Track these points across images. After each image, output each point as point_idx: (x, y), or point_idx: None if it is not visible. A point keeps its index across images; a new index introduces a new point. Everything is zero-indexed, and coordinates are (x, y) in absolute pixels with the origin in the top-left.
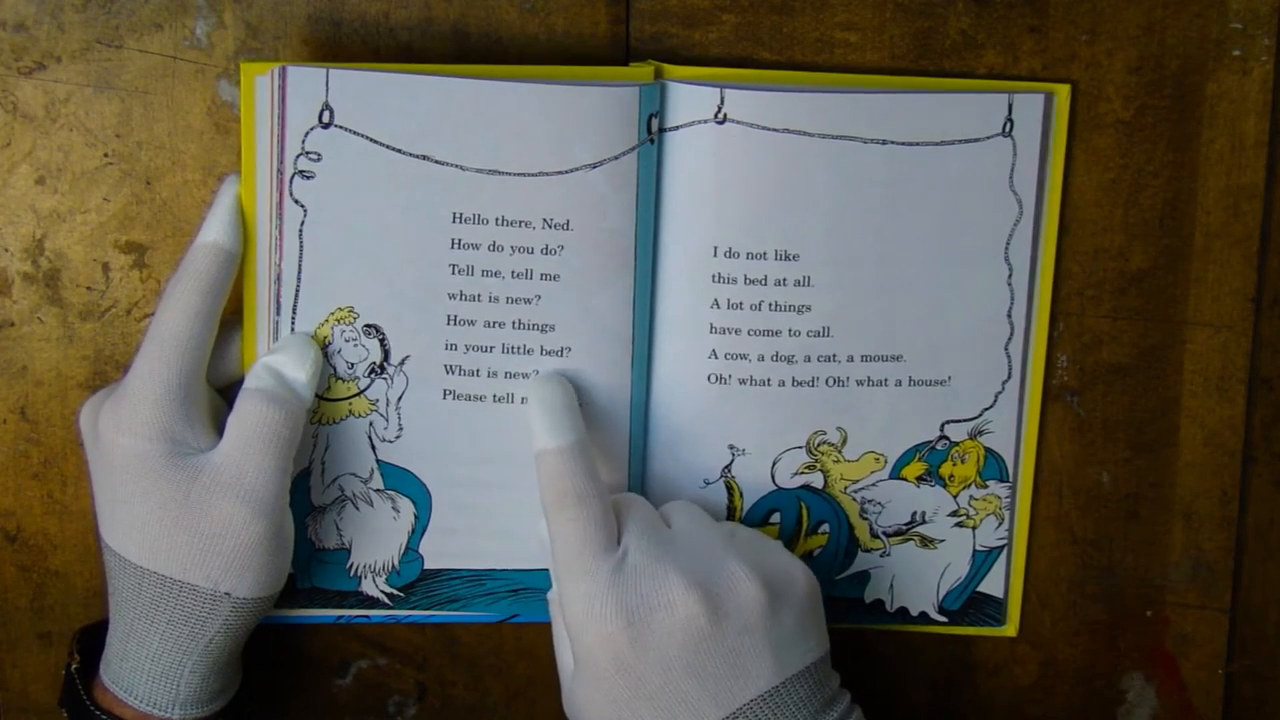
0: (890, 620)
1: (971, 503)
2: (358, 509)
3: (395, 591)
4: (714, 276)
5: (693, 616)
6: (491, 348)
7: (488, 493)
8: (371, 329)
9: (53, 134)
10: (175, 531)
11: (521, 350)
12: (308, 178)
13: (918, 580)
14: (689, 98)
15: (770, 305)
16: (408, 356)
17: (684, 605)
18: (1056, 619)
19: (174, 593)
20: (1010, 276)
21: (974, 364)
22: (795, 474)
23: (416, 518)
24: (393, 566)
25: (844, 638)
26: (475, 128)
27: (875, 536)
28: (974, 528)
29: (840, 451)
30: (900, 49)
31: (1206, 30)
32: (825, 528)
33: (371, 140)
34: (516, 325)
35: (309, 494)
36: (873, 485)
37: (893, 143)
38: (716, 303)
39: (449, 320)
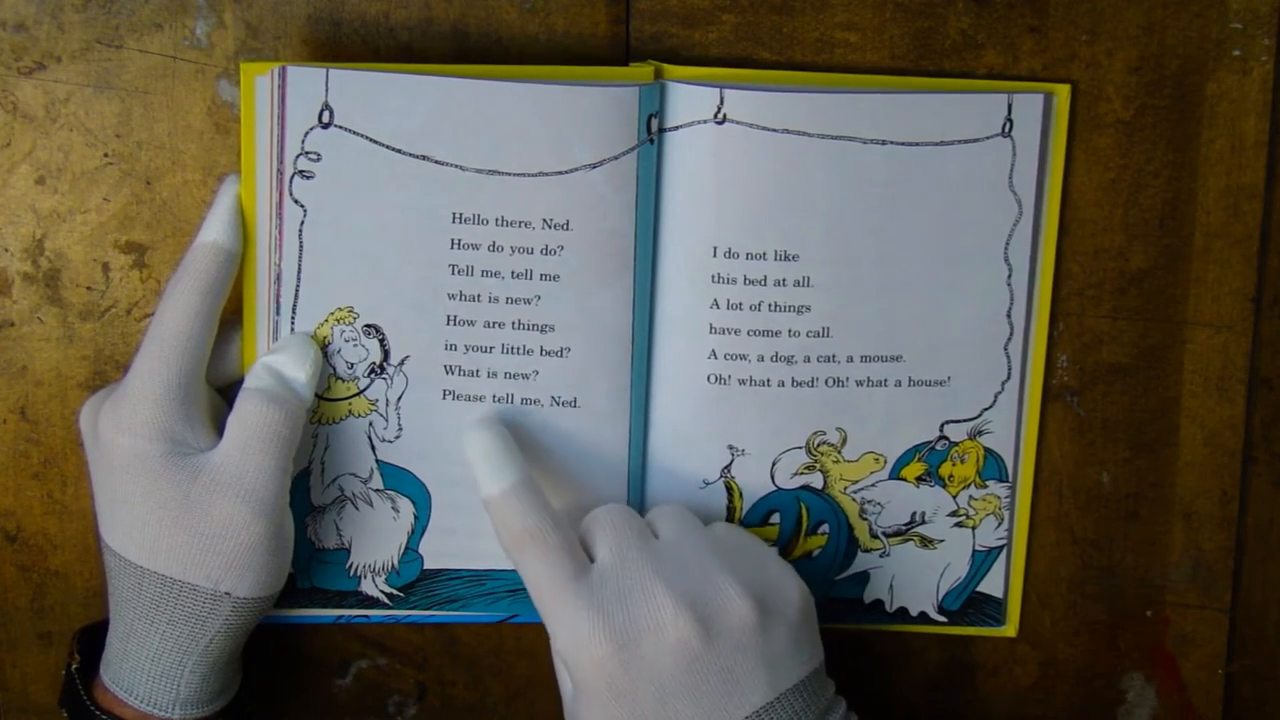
0: (890, 620)
1: (971, 503)
2: (357, 509)
3: (395, 591)
4: (713, 277)
5: (684, 639)
6: (491, 348)
7: None
8: (371, 329)
9: (53, 134)
10: (175, 531)
11: (521, 350)
12: (307, 178)
13: (917, 580)
14: (689, 98)
15: (770, 305)
16: (407, 356)
17: (674, 627)
18: (1056, 619)
19: (174, 593)
20: (1010, 277)
21: (973, 364)
22: (795, 474)
23: (416, 518)
24: (392, 566)
25: (844, 638)
26: (475, 128)
27: (875, 537)
28: (973, 528)
29: (840, 452)
30: (900, 49)
31: (1206, 30)
32: (825, 528)
33: (371, 140)
34: (516, 325)
35: (309, 494)
36: (872, 486)
37: (892, 143)
38: (716, 303)
39: (449, 320)
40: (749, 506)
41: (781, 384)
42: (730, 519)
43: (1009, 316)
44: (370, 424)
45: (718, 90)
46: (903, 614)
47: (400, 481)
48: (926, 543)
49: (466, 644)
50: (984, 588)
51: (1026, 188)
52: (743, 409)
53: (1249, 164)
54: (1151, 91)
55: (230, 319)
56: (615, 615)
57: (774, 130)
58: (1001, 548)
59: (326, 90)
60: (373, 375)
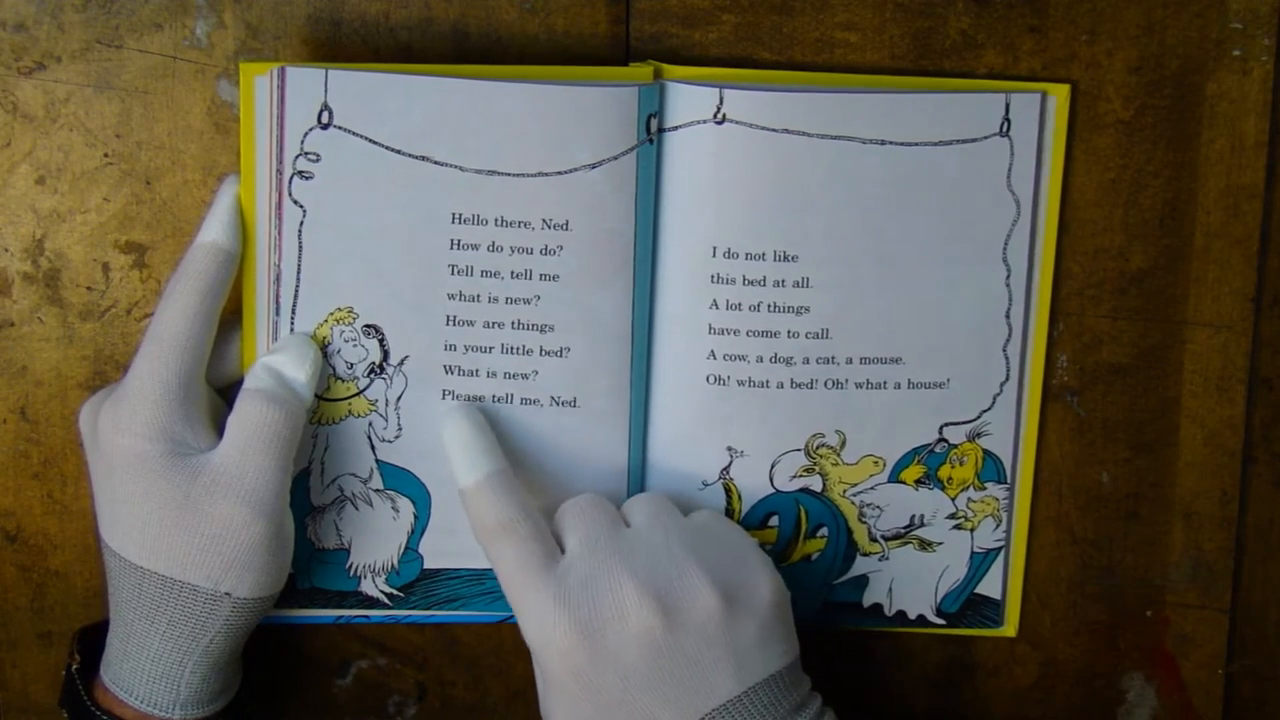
0: (889, 623)
1: (969, 505)
2: (357, 509)
3: (395, 591)
4: (713, 277)
5: (648, 628)
6: (491, 348)
7: None
8: (371, 329)
9: (53, 134)
10: (175, 531)
11: (521, 350)
12: (307, 178)
13: (916, 583)
14: (688, 98)
15: (769, 306)
16: (407, 357)
17: (637, 615)
18: (1056, 619)
19: (174, 593)
20: (1009, 277)
21: (972, 366)
22: (794, 477)
23: (416, 517)
24: (392, 566)
25: (843, 641)
26: (474, 128)
27: (874, 540)
28: (972, 530)
29: (839, 454)
30: (900, 49)
31: (1206, 30)
32: (824, 531)
33: (371, 141)
34: (516, 325)
35: (309, 494)
36: (871, 489)
37: (891, 143)
38: (715, 303)
39: (448, 320)
40: (748, 508)
41: (780, 385)
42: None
43: (1008, 317)
44: (370, 424)
45: (717, 90)
46: (901, 617)
47: (400, 481)
48: (925, 545)
49: (466, 644)
50: (982, 590)
51: (1025, 188)
52: (742, 410)
53: (1249, 164)
54: (1151, 91)
55: (230, 319)
56: (580, 605)
57: (774, 130)
58: (1000, 550)
59: (326, 91)
60: (372, 375)
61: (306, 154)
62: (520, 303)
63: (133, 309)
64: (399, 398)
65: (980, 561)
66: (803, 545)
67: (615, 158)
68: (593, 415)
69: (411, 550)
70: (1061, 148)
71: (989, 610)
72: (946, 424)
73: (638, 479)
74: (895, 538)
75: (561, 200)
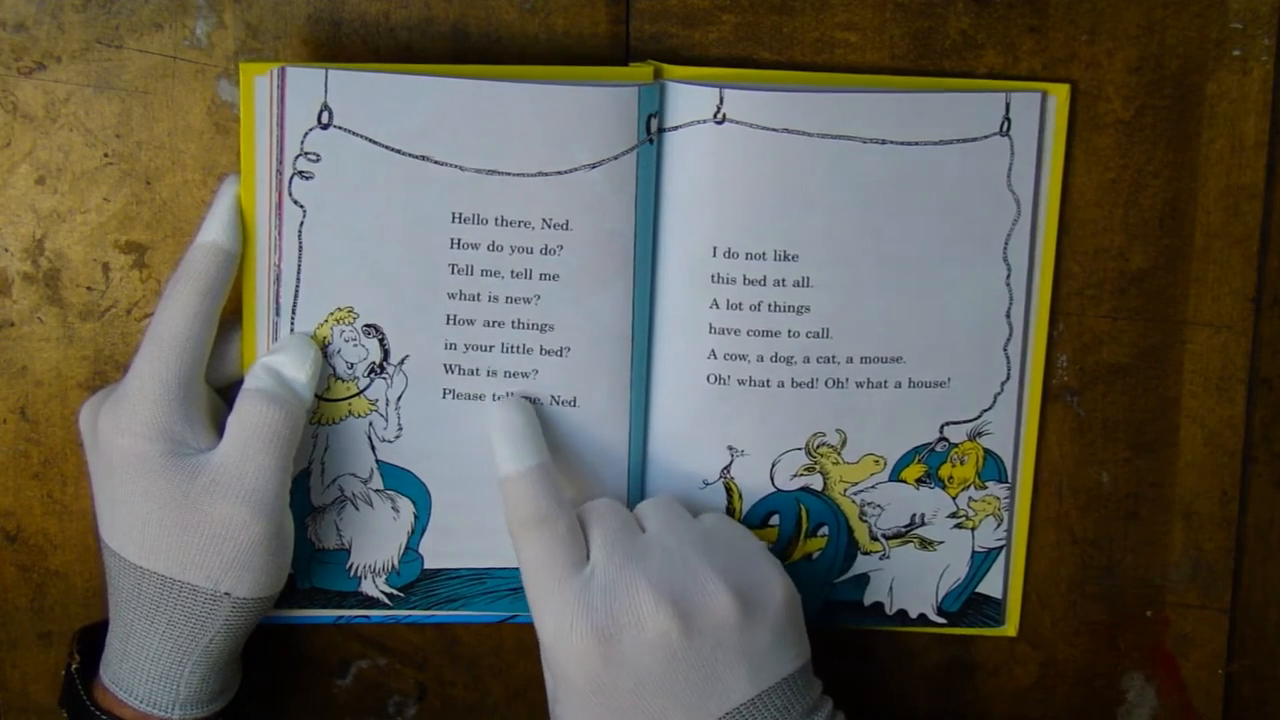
0: (890, 622)
1: (970, 504)
2: (357, 509)
3: (395, 591)
4: (713, 277)
5: (664, 633)
6: (491, 347)
7: (488, 492)
8: (371, 329)
9: (53, 134)
10: (175, 531)
11: (521, 350)
12: (307, 178)
13: (917, 582)
14: (688, 98)
15: (769, 306)
16: (407, 356)
17: (654, 621)
18: (1056, 619)
19: (174, 593)
20: (1009, 277)
21: (973, 365)
22: (794, 476)
23: (416, 518)
24: (392, 566)
25: (844, 640)
26: (474, 128)
27: (875, 539)
28: (973, 529)
29: (840, 453)
30: (900, 49)
31: (1206, 30)
32: (825, 530)
33: (370, 141)
34: (516, 325)
35: (309, 494)
36: (872, 488)
37: (891, 142)
38: (716, 303)
39: (448, 320)
40: (749, 508)
41: (781, 385)
42: None
43: (1008, 317)
44: (370, 424)
45: (717, 90)
46: (902, 616)
47: (400, 481)
48: (926, 544)
49: (466, 644)
50: (983, 589)
51: (1025, 187)
52: (742, 409)
53: (1249, 164)
54: (1151, 91)
55: (230, 319)
56: (598, 610)
57: (773, 130)
58: (1000, 549)
59: (326, 91)
60: (372, 375)
61: (306, 154)
62: (520, 302)
63: (133, 309)
64: (399, 397)
65: (981, 561)
66: (803, 544)
67: (615, 158)
68: (593, 415)
69: (411, 550)
70: (1061, 148)
71: (990, 610)
72: (947, 423)
73: (638, 478)
74: (896, 537)
75: (561, 200)
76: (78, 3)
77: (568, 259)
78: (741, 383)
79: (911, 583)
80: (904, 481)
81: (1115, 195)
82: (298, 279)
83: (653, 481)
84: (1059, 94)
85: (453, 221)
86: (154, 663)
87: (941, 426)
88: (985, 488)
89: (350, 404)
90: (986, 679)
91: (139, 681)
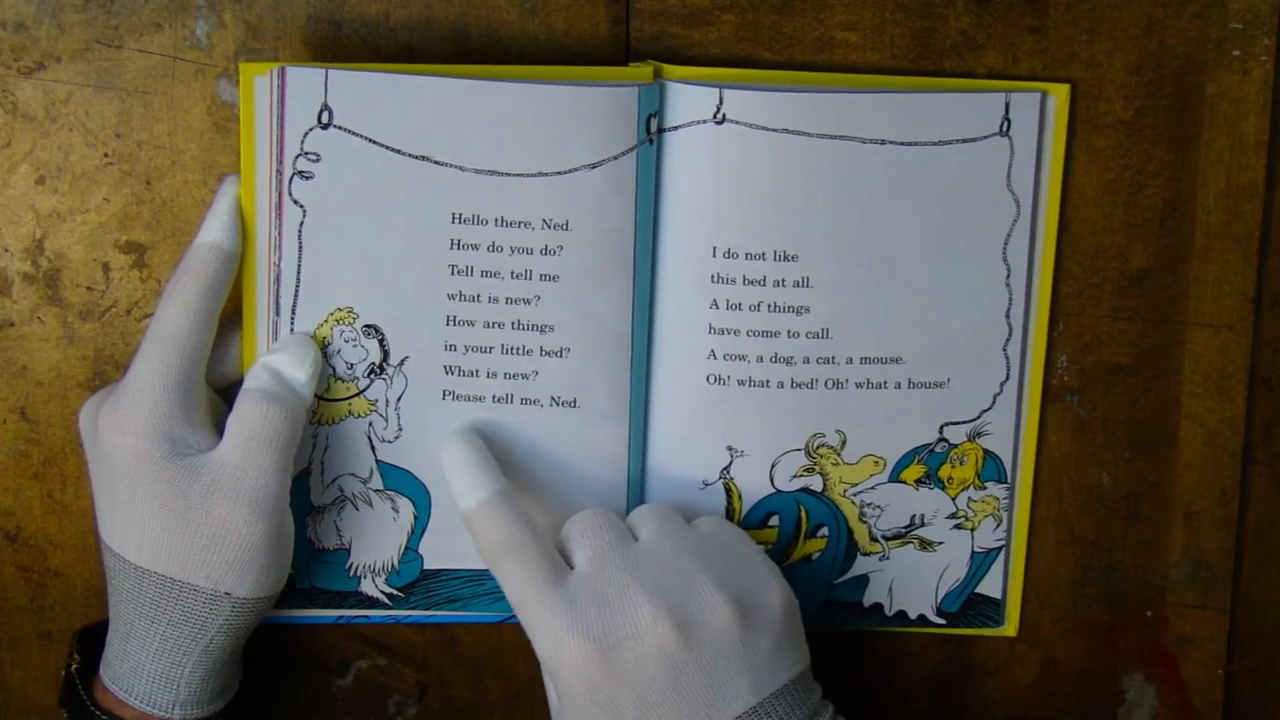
0: (889, 623)
1: (970, 504)
2: (357, 509)
3: (395, 591)
4: (713, 277)
5: (664, 644)
6: (491, 348)
7: None
8: (371, 329)
9: (53, 134)
10: (175, 531)
11: (521, 350)
12: (307, 178)
13: (916, 583)
14: (688, 98)
15: (769, 306)
16: (407, 357)
17: (653, 632)
18: (1056, 619)
19: (174, 593)
20: (1009, 277)
21: (973, 366)
22: (794, 476)
23: (416, 518)
24: (392, 566)
25: (843, 640)
26: (474, 128)
27: (874, 540)
28: (972, 529)
29: (839, 454)
30: (900, 49)
31: (1206, 30)
32: (824, 531)
33: (370, 141)
34: (516, 326)
35: (309, 494)
36: (872, 489)
37: (891, 143)
38: (715, 303)
39: (448, 321)
40: (748, 508)
41: (781, 385)
42: (729, 520)
43: (1008, 317)
44: (370, 424)
45: (717, 90)
46: (902, 617)
47: (400, 481)
48: (926, 545)
49: (466, 644)
50: (982, 589)
51: (1024, 187)
52: (742, 410)
53: (1249, 164)
54: (1151, 91)
55: (230, 319)
56: (594, 622)
57: (773, 130)
58: (1000, 549)
59: (326, 91)
60: (372, 375)
61: (306, 154)
62: (520, 303)
63: (133, 309)
64: (399, 398)
65: (981, 561)
66: (803, 545)
67: (615, 158)
68: (593, 415)
69: (411, 550)
70: (1061, 147)
71: (989, 610)
72: (947, 423)
73: (638, 479)
74: (895, 537)
75: (561, 200)
76: (78, 3)
77: (567, 259)
78: (741, 383)
79: (911, 583)
80: (903, 482)
81: (1115, 195)
82: (298, 279)
83: (652, 482)
84: (1059, 94)
85: (452, 222)
86: (154, 662)
87: (941, 427)
88: (985, 488)
89: (350, 404)
90: (986, 679)
91: (139, 681)
